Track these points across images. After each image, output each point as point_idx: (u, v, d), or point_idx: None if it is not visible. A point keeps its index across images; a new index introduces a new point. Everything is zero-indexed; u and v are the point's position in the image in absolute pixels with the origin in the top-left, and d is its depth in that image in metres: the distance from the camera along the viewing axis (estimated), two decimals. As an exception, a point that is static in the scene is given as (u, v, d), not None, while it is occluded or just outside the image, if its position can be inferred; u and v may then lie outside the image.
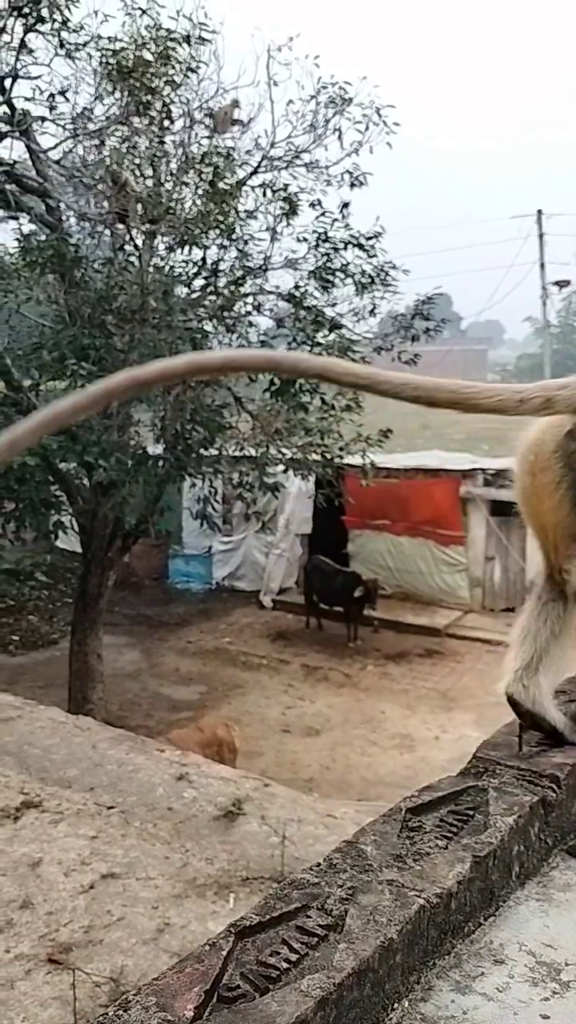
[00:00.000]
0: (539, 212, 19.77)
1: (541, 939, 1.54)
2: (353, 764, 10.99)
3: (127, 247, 10.60)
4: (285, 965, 1.30)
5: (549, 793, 1.76)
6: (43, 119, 9.64)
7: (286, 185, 10.67)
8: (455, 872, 1.50)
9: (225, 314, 10.97)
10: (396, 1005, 1.36)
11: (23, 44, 9.09)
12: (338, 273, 10.91)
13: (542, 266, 19.59)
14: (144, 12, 9.63)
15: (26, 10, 8.82)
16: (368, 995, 1.30)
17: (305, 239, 10.88)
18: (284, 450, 11.22)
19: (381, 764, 11.11)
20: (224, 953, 1.31)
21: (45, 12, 8.96)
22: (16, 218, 10.30)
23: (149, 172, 10.35)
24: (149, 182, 10.28)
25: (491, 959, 1.49)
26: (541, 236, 19.60)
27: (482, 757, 1.91)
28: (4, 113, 9.27)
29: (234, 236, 10.61)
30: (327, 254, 10.82)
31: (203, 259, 10.80)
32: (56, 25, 9.18)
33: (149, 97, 9.67)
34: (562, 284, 20.41)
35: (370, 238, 10.80)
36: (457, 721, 12.36)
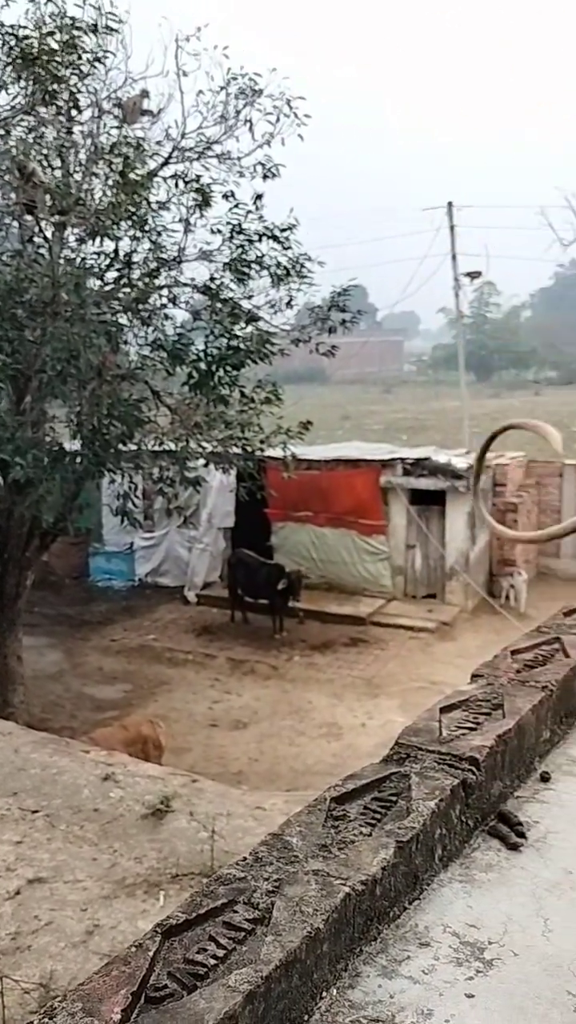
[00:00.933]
0: (449, 204, 20.11)
1: (465, 920, 1.58)
2: (281, 755, 11.03)
3: (36, 239, 10.36)
4: (212, 961, 1.29)
5: (469, 775, 1.80)
6: (-55, 108, 9.34)
7: (198, 176, 10.58)
8: (379, 859, 1.52)
9: (140, 307, 10.83)
10: (324, 994, 1.37)
11: None
12: (253, 265, 10.88)
13: (453, 258, 19.96)
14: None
15: None
16: (296, 986, 1.31)
17: (219, 231, 10.82)
18: (204, 444, 11.15)
19: (309, 753, 11.17)
20: (151, 953, 1.30)
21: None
22: None
23: (57, 163, 10.12)
24: (57, 172, 10.06)
25: (416, 942, 1.51)
26: (452, 228, 19.96)
27: (404, 743, 1.93)
28: None
29: (147, 227, 10.47)
30: (242, 246, 10.77)
31: (115, 251, 10.63)
32: (-46, 10, 8.90)
33: (55, 86, 9.45)
34: (473, 275, 20.81)
35: (284, 230, 10.81)
36: (383, 707, 12.51)
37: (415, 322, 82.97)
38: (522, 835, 1.82)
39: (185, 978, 1.26)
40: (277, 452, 11.70)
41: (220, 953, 1.31)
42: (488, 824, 1.86)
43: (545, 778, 2.06)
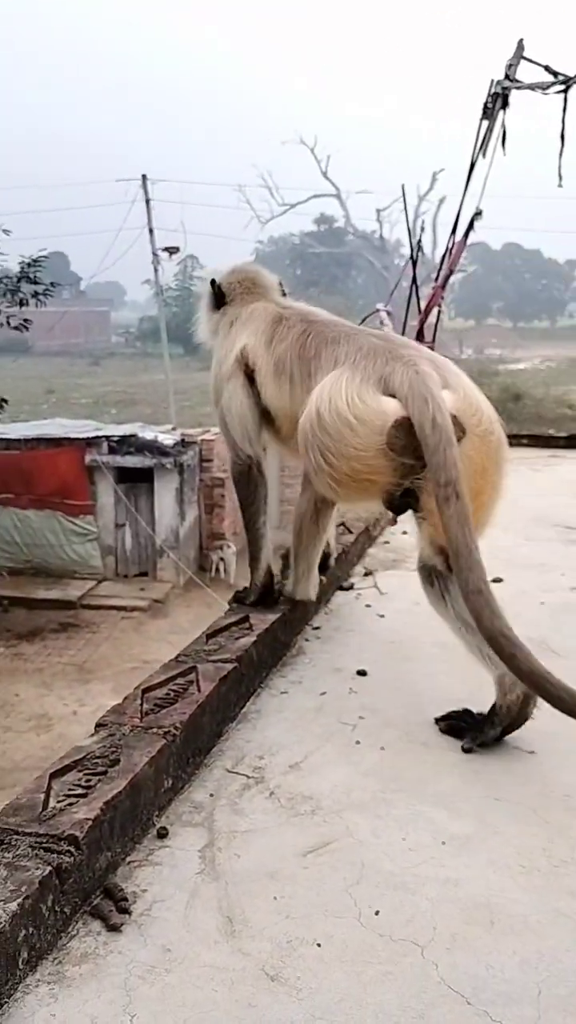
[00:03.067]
0: (144, 177, 19.76)
1: (44, 1034, 1.45)
2: (-15, 755, 10.48)
3: None
4: None
5: (65, 859, 1.67)
6: None
7: None
8: None
9: None
10: None
11: None
12: None
13: (151, 231, 19.70)
14: None
15: None
16: None
17: None
18: None
19: (17, 749, 10.73)
20: None
21: None
22: None
23: None
24: None
25: (-17, 1077, 1.37)
26: (148, 201, 19.64)
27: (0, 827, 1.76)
28: None
29: None
30: None
31: None
32: None
33: None
34: (171, 250, 20.70)
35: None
36: (95, 692, 12.28)
37: (121, 292, 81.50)
38: (125, 911, 1.73)
39: None
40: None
41: None
42: (91, 904, 1.75)
43: (162, 834, 1.99)
